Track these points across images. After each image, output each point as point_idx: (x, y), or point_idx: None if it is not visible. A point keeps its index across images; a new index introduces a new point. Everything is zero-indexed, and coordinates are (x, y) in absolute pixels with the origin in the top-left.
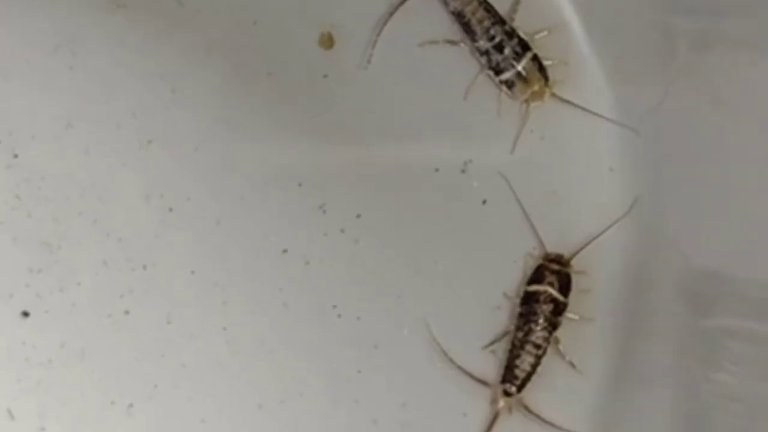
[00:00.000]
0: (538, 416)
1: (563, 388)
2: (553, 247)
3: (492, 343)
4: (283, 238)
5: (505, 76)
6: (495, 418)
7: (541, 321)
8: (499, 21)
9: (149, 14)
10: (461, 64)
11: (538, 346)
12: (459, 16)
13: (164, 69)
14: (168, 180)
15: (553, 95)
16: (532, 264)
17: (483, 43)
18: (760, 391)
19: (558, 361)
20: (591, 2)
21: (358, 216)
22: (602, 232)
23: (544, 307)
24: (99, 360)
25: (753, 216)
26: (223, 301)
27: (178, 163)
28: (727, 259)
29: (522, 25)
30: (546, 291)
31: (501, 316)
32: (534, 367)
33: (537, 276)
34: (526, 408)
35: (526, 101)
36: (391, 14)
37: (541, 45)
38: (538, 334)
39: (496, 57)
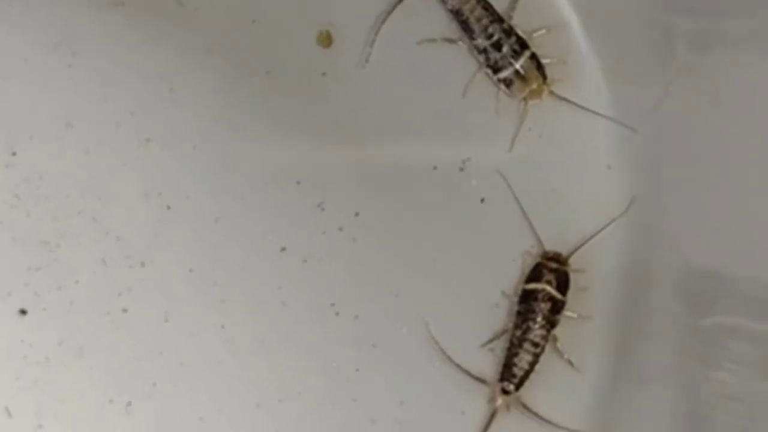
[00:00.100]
0: (536, 414)
1: (561, 387)
2: (552, 246)
3: (490, 341)
4: (282, 236)
5: (504, 74)
6: (493, 416)
7: (539, 319)
8: (498, 19)
9: (148, 13)
10: (459, 62)
11: (536, 345)
12: (457, 14)
13: (163, 68)
14: (167, 179)
15: (552, 93)
16: (531, 262)
17: (481, 42)
18: (759, 391)
19: (556, 360)
20: (590, 1)
21: (357, 214)
22: (600, 231)
23: (543, 305)
24: (97, 358)
25: (752, 215)
26: (221, 299)
27: (176, 161)
28: (726, 258)
29: (520, 23)
30: (544, 289)
31: (499, 315)
32: (532, 365)
33: (535, 274)
34: (524, 406)
35: (525, 99)
36: (389, 12)
37: (539, 43)
38: (537, 332)
39: (494, 55)
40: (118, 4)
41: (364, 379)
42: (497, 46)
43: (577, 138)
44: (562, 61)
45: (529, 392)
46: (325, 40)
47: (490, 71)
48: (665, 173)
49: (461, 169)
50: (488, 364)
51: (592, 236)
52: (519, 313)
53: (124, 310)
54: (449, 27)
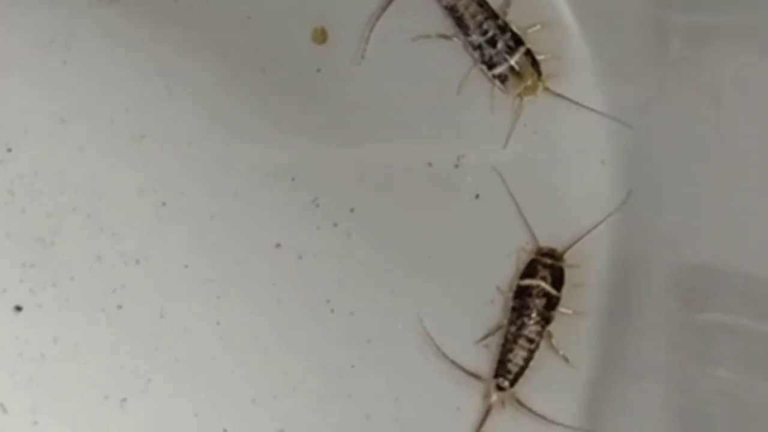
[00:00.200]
0: (530, 410)
1: (556, 383)
2: (546, 241)
3: (485, 337)
4: (277, 232)
5: (498, 70)
6: (488, 412)
7: (534, 315)
8: (492, 15)
9: (143, 10)
10: (454, 58)
11: (531, 341)
12: (452, 11)
13: (158, 64)
14: (161, 175)
15: (546, 89)
16: (525, 258)
17: (476, 38)
18: (752, 386)
19: (551, 356)
20: None
21: (352, 210)
22: (595, 226)
23: (537, 301)
24: (92, 355)
25: (745, 210)
26: (216, 295)
27: (171, 158)
28: (720, 253)
29: (515, 19)
30: (539, 285)
31: (494, 311)
32: (527, 361)
33: (530, 270)
34: (519, 402)
35: (519, 95)
36: (384, 9)
37: (534, 39)
38: (531, 328)
39: (489, 51)
40: (113, 1)
41: (359, 375)
42: (492, 42)
43: (572, 134)
44: (557, 58)
45: (524, 388)
46: (320, 36)
47: (485, 67)
48: (660, 169)
49: (456, 166)
50: (483, 361)
51: (587, 232)
52: (514, 309)
53: (119, 307)
54: (444, 23)
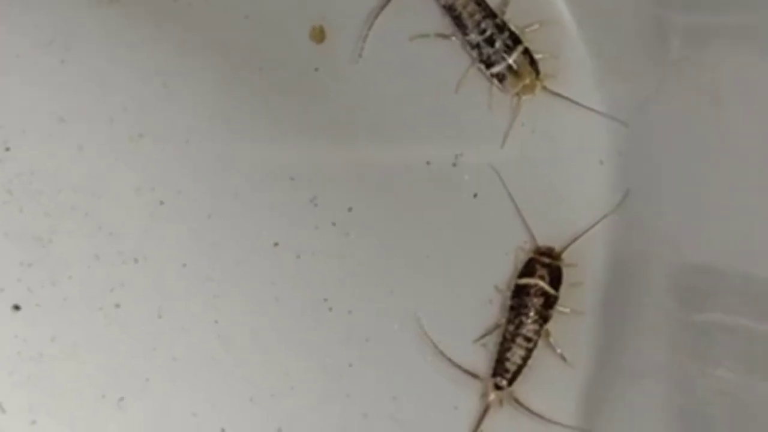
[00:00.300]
0: (528, 409)
1: (554, 382)
2: (544, 240)
3: (483, 336)
4: (275, 231)
5: (496, 69)
6: (486, 411)
7: (532, 314)
8: (490, 14)
9: (143, 9)
10: (452, 57)
11: (529, 340)
12: (450, 10)
13: (156, 63)
14: (159, 174)
15: (544, 88)
16: (523, 257)
17: (474, 37)
18: (752, 386)
19: (549, 355)
20: None
21: (350, 209)
22: (593, 225)
23: (535, 300)
24: (90, 354)
25: (745, 210)
26: (214, 294)
27: (169, 157)
28: (719, 253)
29: (513, 18)
30: (537, 284)
31: (492, 310)
32: (525, 360)
33: (528, 269)
34: (517, 401)
35: (517, 94)
36: (382, 7)
37: (532, 38)
38: (529, 327)
39: (487, 50)
40: (113, 1)
41: (357, 374)
42: (490, 41)
43: (570, 133)
44: (555, 57)
45: (521, 387)
46: (318, 35)
47: (483, 66)
48: (658, 168)
49: (454, 165)
50: (481, 360)
51: (585, 231)
52: (512, 308)
53: (118, 306)
54: (442, 22)
